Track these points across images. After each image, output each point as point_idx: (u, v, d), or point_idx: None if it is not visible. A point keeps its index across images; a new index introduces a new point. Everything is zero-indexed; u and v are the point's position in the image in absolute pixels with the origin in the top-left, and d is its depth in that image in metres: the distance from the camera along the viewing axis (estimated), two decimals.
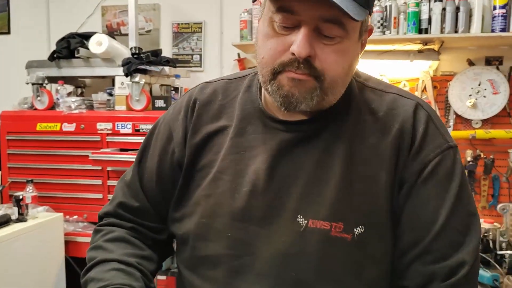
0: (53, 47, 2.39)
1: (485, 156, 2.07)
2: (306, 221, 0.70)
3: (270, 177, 0.73)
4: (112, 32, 2.73)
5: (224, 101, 0.82)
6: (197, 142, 0.79)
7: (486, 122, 2.09)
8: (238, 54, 2.45)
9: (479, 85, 2.07)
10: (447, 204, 0.70)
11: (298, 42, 0.63)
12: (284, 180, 0.72)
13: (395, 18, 1.94)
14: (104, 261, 0.76)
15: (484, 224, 1.80)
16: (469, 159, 2.07)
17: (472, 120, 2.10)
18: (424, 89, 2.14)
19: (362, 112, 0.75)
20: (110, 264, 0.75)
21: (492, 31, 1.87)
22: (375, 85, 0.78)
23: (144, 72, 2.15)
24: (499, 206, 1.94)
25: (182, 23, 2.62)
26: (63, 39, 2.35)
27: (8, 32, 2.90)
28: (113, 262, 0.76)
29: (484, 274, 1.50)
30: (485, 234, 1.78)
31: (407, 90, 0.82)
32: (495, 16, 1.85)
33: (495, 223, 1.83)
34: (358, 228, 0.70)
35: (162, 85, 2.41)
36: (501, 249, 1.75)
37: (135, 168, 0.86)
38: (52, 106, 2.35)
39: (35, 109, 2.36)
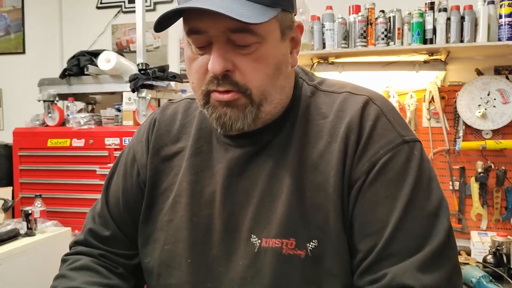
0: (66, 65, 2.46)
1: (496, 168, 2.02)
2: (259, 241, 0.67)
3: (225, 197, 0.70)
4: (122, 49, 2.79)
5: (184, 121, 0.80)
6: (157, 164, 0.78)
7: (497, 133, 2.04)
8: None
9: (488, 95, 2.03)
10: (400, 205, 0.62)
11: (211, 59, 0.62)
12: (239, 200, 0.70)
13: (398, 29, 1.92)
14: None
15: (497, 237, 1.74)
16: (480, 170, 2.01)
17: (482, 130, 2.05)
18: (432, 100, 2.11)
19: (312, 118, 0.71)
20: None
21: (499, 39, 1.84)
22: (328, 87, 0.74)
23: (150, 87, 2.18)
24: None
25: None
26: (73, 57, 2.42)
27: (23, 52, 3.00)
28: None
29: None
30: (498, 248, 1.72)
31: (363, 87, 0.73)
32: (501, 25, 1.82)
33: (508, 236, 1.76)
34: (311, 243, 0.65)
35: (169, 100, 2.45)
36: None
37: (102, 196, 0.84)
38: (63, 122, 2.40)
39: (47, 125, 2.41)
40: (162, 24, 0.62)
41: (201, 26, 0.62)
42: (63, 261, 0.81)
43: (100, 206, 0.83)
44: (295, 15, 0.70)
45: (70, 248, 0.84)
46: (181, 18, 0.63)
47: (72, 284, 0.73)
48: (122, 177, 0.81)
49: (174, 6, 0.61)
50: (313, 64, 2.12)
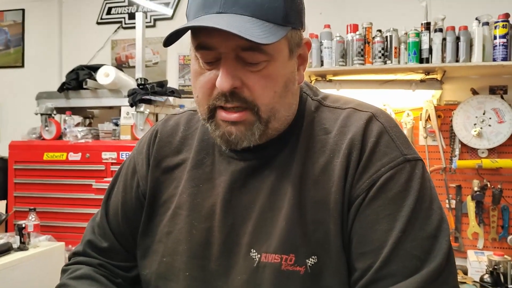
0: (64, 79, 2.47)
1: (492, 186, 2.03)
2: (259, 256, 0.66)
3: (226, 211, 0.70)
4: (121, 64, 2.81)
5: (186, 133, 0.79)
6: (158, 176, 0.77)
7: (493, 151, 2.06)
8: None
9: (483, 114, 2.05)
10: (399, 225, 0.61)
11: (220, 76, 0.62)
12: (240, 213, 0.69)
13: (395, 48, 1.96)
14: None
15: (494, 256, 1.74)
16: (476, 189, 2.02)
17: (478, 149, 2.07)
18: (428, 119, 2.13)
19: (316, 133, 0.70)
20: None
21: (494, 60, 1.87)
22: (332, 103, 0.74)
23: (149, 102, 2.19)
24: (510, 237, 1.88)
25: (188, 55, 2.69)
26: (72, 71, 2.43)
27: (22, 66, 3.01)
28: None
29: None
30: (495, 267, 1.71)
31: (368, 103, 0.74)
32: (495, 46, 1.86)
33: (505, 256, 1.76)
34: (311, 259, 0.64)
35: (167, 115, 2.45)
36: None
37: (103, 207, 0.83)
38: (60, 136, 2.40)
39: (43, 138, 2.41)
40: (171, 40, 0.62)
41: (211, 43, 0.61)
42: (64, 271, 0.81)
43: (100, 217, 0.83)
44: (303, 31, 0.70)
45: (69, 259, 0.83)
46: (189, 32, 0.63)
47: None
48: (122, 189, 0.81)
49: (175, 23, 0.61)
50: (311, 81, 2.14)
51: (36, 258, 1.90)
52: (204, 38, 0.61)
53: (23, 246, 1.89)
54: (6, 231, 2.29)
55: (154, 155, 0.78)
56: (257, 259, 0.66)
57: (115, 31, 2.84)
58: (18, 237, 1.89)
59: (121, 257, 0.80)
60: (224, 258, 0.69)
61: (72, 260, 0.82)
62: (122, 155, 2.17)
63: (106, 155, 2.20)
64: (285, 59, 0.65)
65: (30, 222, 2.00)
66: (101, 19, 2.86)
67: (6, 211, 2.32)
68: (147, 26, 2.57)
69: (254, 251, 0.66)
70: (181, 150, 0.78)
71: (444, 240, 0.62)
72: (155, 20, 2.75)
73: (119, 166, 0.87)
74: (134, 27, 2.47)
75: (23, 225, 1.91)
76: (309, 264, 0.64)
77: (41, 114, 2.40)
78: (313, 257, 0.64)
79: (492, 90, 2.13)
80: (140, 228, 0.77)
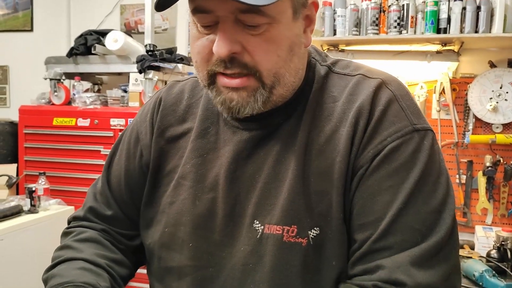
0: (73, 44, 2.44)
1: (505, 162, 1.99)
2: (262, 227, 0.64)
3: (231, 181, 0.68)
4: (130, 30, 2.77)
5: (191, 101, 0.76)
6: (162, 145, 0.75)
7: (507, 127, 2.00)
8: None
9: (500, 88, 1.99)
10: (401, 197, 0.59)
11: (216, 41, 0.58)
12: (244, 184, 0.67)
13: (412, 17, 1.88)
14: (71, 259, 0.71)
15: (503, 232, 1.72)
16: (488, 164, 1.99)
17: (492, 124, 2.02)
18: (443, 92, 2.08)
19: (323, 101, 0.67)
20: (77, 262, 0.71)
21: None
22: (342, 69, 0.71)
23: (157, 69, 2.16)
24: None
25: None
26: (81, 36, 2.40)
27: (31, 30, 2.98)
28: (80, 261, 0.71)
29: (499, 283, 1.43)
30: (503, 243, 1.70)
31: (378, 69, 0.70)
32: None
33: None
34: (313, 231, 0.62)
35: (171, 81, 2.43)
36: None
37: (104, 174, 0.81)
38: (69, 101, 2.40)
39: (52, 104, 2.41)
40: (164, 3, 0.58)
41: (208, 5, 0.58)
42: (66, 234, 0.80)
43: (101, 184, 0.81)
44: None
45: (69, 222, 0.83)
46: None
47: (79, 254, 0.72)
48: (125, 157, 0.79)
49: None
50: (323, 51, 2.09)
51: (47, 221, 1.94)
52: (200, 1, 0.58)
53: (33, 209, 1.92)
54: (17, 194, 2.33)
55: (158, 124, 0.76)
56: (260, 230, 0.65)
57: None
58: (28, 200, 1.92)
59: (124, 226, 0.79)
60: (229, 229, 0.68)
61: (74, 224, 0.81)
62: (130, 122, 2.16)
63: (114, 121, 2.20)
64: (289, 21, 0.61)
65: (40, 185, 2.03)
66: None
67: (17, 175, 2.35)
68: None
69: (258, 222, 0.65)
70: (185, 119, 0.76)
71: (448, 215, 0.60)
72: None
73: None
74: None
75: (33, 189, 1.94)
76: (311, 235, 0.63)
77: (50, 79, 2.39)
78: (315, 228, 0.63)
79: (511, 63, 2.05)
80: (143, 198, 0.76)
